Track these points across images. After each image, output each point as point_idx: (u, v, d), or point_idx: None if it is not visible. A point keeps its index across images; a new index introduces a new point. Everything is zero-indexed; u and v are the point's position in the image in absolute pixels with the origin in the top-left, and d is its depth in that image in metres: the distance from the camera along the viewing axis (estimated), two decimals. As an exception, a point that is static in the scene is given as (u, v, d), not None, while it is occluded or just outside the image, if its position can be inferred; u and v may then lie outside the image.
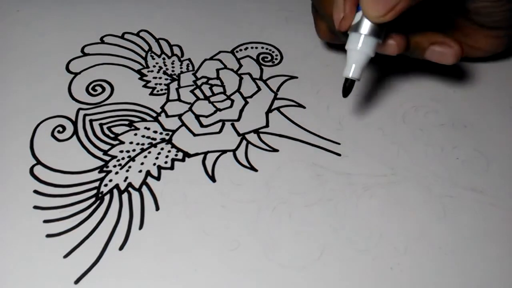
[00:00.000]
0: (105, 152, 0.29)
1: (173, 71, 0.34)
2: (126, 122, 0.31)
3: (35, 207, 0.26)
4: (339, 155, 0.30)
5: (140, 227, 0.26)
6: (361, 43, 0.26)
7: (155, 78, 0.34)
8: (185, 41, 0.36)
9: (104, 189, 0.27)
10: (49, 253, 0.24)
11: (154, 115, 0.31)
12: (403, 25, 0.26)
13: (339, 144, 0.30)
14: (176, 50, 0.36)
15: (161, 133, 0.30)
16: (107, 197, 0.27)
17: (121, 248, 0.25)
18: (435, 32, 0.29)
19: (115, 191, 0.27)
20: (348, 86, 0.28)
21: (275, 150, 0.30)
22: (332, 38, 0.33)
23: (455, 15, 0.31)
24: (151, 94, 0.33)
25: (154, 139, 0.30)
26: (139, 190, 0.27)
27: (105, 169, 0.28)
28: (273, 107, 0.32)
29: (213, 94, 0.33)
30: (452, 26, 0.31)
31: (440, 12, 0.31)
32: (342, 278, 0.24)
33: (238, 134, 0.31)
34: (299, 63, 0.35)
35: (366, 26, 0.26)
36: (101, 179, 0.28)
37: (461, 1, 0.29)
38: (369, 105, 0.33)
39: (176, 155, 0.29)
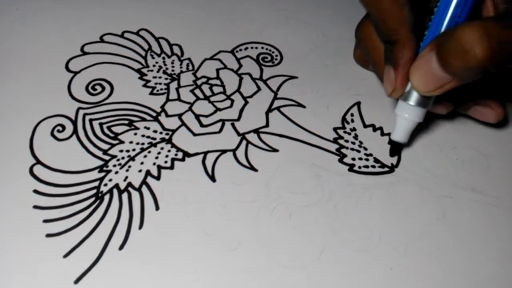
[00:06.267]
0: (105, 152, 0.29)
1: (173, 70, 0.34)
2: (126, 122, 0.31)
3: (35, 207, 0.26)
4: (338, 155, 0.30)
5: (140, 227, 0.26)
6: (409, 113, 0.27)
7: (155, 77, 0.34)
8: (185, 41, 0.36)
9: (104, 189, 0.27)
10: (49, 253, 0.24)
11: (154, 114, 0.31)
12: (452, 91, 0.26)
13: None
14: (176, 50, 0.36)
15: (161, 133, 0.30)
16: (107, 197, 0.27)
17: (121, 248, 0.25)
18: (479, 92, 0.29)
19: (115, 191, 0.27)
20: (395, 148, 0.29)
21: (275, 150, 0.30)
22: (366, 65, 0.34)
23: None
24: (151, 93, 0.32)
25: (154, 138, 0.30)
26: (139, 189, 0.27)
27: (105, 168, 0.28)
28: (273, 107, 0.32)
29: (213, 94, 0.33)
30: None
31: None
32: (342, 278, 0.24)
33: (238, 134, 0.30)
34: (299, 63, 0.35)
35: (414, 96, 0.27)
36: (101, 179, 0.28)
37: None
38: (369, 105, 0.33)
39: (176, 154, 0.29)
